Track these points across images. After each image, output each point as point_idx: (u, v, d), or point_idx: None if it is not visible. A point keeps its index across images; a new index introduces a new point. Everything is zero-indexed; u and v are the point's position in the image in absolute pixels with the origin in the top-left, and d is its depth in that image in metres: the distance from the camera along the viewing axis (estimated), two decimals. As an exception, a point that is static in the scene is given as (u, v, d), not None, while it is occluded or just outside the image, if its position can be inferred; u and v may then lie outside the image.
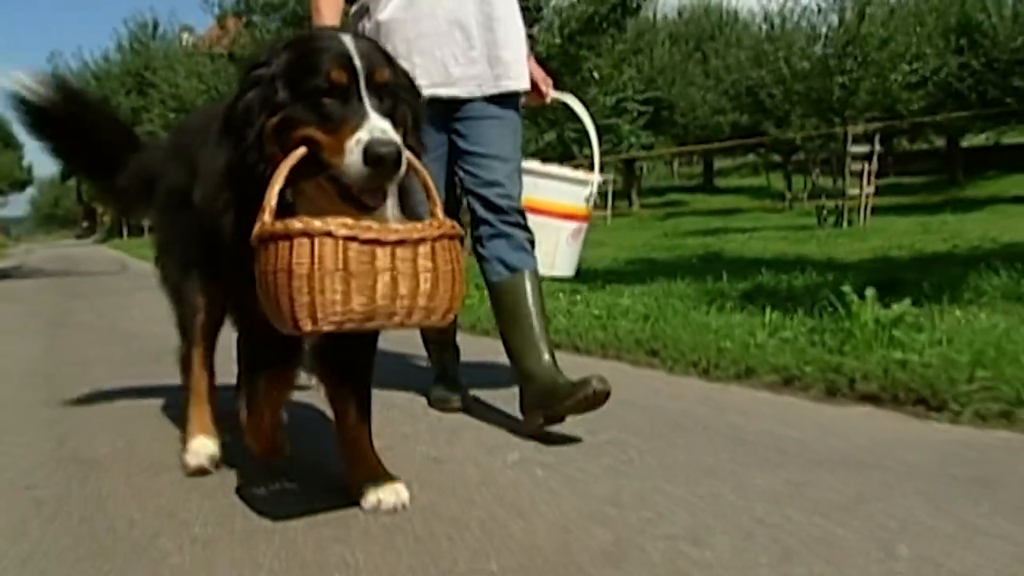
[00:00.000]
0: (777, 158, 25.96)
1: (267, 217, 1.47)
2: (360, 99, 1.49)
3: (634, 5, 13.13)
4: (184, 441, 2.13)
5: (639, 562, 1.46)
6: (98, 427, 2.59)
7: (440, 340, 2.80)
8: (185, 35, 36.15)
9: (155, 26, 36.11)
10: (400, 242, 1.46)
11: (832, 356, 2.94)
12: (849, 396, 2.70)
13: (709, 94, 25.96)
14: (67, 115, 2.33)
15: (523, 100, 2.64)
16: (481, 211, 2.44)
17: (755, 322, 3.63)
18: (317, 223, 1.41)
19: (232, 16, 17.59)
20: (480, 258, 2.49)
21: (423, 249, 1.49)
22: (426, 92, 2.22)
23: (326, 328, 1.43)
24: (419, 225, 1.53)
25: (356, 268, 1.42)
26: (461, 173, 2.49)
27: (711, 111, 26.05)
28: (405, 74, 1.70)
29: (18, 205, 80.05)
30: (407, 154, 1.49)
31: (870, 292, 3.19)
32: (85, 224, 49.09)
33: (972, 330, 2.96)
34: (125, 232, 32.78)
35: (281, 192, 1.49)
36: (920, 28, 17.50)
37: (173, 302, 2.20)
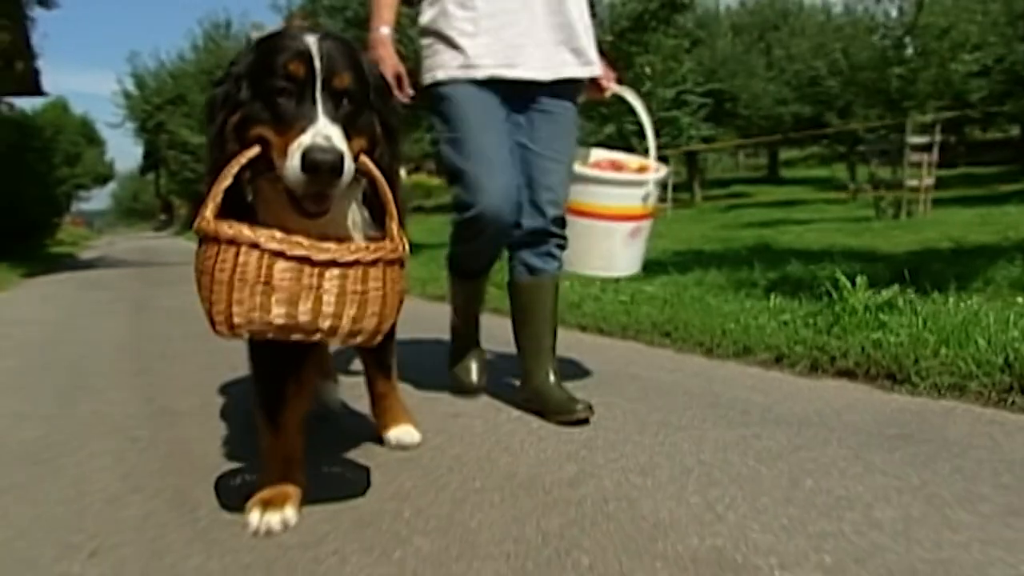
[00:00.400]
0: (841, 149, 25.66)
1: (207, 212, 1.46)
2: (313, 102, 1.45)
3: (682, 2, 13.29)
4: None
5: (593, 486, 1.85)
6: (179, 387, 3.10)
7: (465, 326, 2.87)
8: (255, 33, 37.38)
9: (228, 25, 37.44)
10: (330, 263, 1.44)
11: (819, 336, 3.26)
12: (828, 371, 3.02)
13: (771, 85, 25.76)
14: None
15: (585, 95, 2.64)
16: (524, 210, 2.46)
17: (761, 307, 3.95)
18: (247, 231, 1.41)
19: (298, 16, 18.30)
20: (508, 249, 2.56)
21: (354, 272, 1.47)
22: (489, 72, 2.35)
23: (241, 335, 1.47)
24: (354, 246, 1.50)
25: (279, 283, 1.41)
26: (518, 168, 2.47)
27: (773, 102, 25.87)
28: (379, 79, 1.66)
29: (100, 199, 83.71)
30: (350, 163, 1.43)
31: (861, 279, 3.48)
32: (163, 217, 51.14)
33: (949, 314, 3.23)
34: (200, 224, 34.06)
35: (241, 190, 1.51)
36: (984, 16, 17.15)
37: None
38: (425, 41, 2.49)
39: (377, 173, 1.56)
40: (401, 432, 2.19)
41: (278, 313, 1.41)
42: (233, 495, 1.81)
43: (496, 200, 2.33)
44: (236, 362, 3.12)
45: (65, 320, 5.87)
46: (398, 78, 2.38)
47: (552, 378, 2.49)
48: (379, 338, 1.57)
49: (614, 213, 2.65)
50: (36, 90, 19.38)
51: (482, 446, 2.21)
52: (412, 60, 2.57)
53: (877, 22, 16.76)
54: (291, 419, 1.76)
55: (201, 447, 2.27)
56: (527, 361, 2.54)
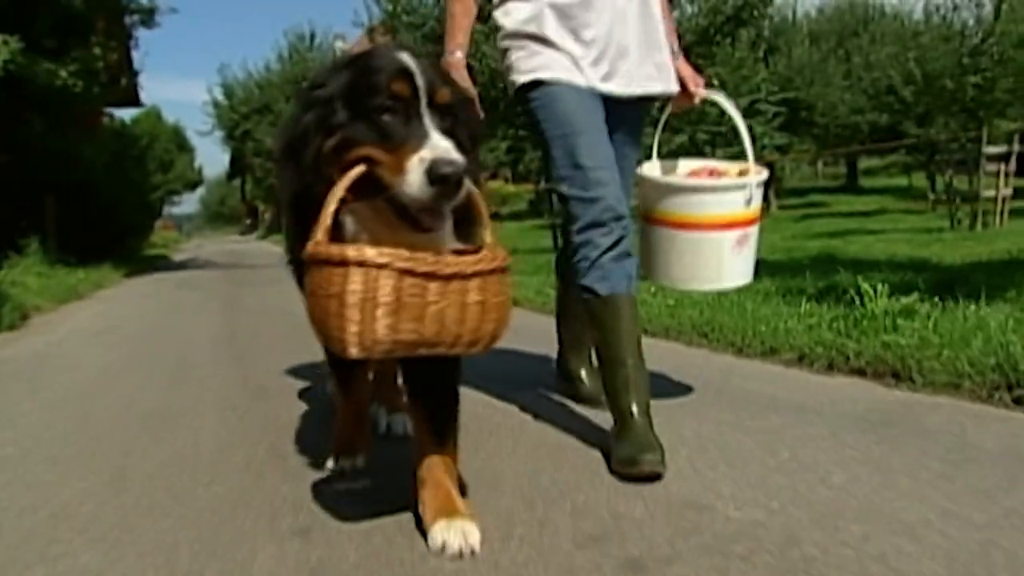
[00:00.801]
0: (921, 158, 25.16)
1: (320, 236, 1.47)
2: (421, 117, 1.48)
3: (747, 15, 13.45)
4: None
5: (600, 448, 2.25)
6: (269, 372, 3.63)
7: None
8: (339, 43, 38.69)
9: (312, 37, 38.84)
10: (454, 276, 1.46)
11: (839, 338, 3.56)
12: (843, 370, 3.32)
13: (847, 94, 25.47)
14: None
15: (674, 103, 2.67)
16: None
17: (792, 311, 4.26)
18: (372, 252, 1.41)
19: (380, 31, 19.09)
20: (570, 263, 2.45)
21: (475, 283, 1.49)
22: (590, 83, 2.33)
23: (373, 356, 1.48)
24: (473, 258, 1.52)
25: (408, 300, 1.42)
26: None
27: (849, 111, 25.57)
28: (465, 92, 1.72)
29: (190, 203, 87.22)
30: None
31: (883, 287, 3.77)
32: (248, 221, 53.14)
33: (959, 320, 3.49)
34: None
35: (336, 213, 1.50)
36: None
37: None
38: (516, 42, 2.44)
39: (472, 186, 1.54)
40: (452, 533, 1.60)
41: (407, 329, 1.42)
42: (313, 450, 2.28)
43: (616, 195, 2.29)
44: (316, 353, 3.62)
45: (165, 316, 6.55)
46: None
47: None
48: (493, 345, 1.57)
49: (718, 222, 2.53)
50: (135, 102, 20.77)
51: (529, 426, 2.62)
52: (486, 75, 2.86)
53: (954, 30, 16.50)
54: (360, 385, 2.14)
55: (288, 415, 2.77)
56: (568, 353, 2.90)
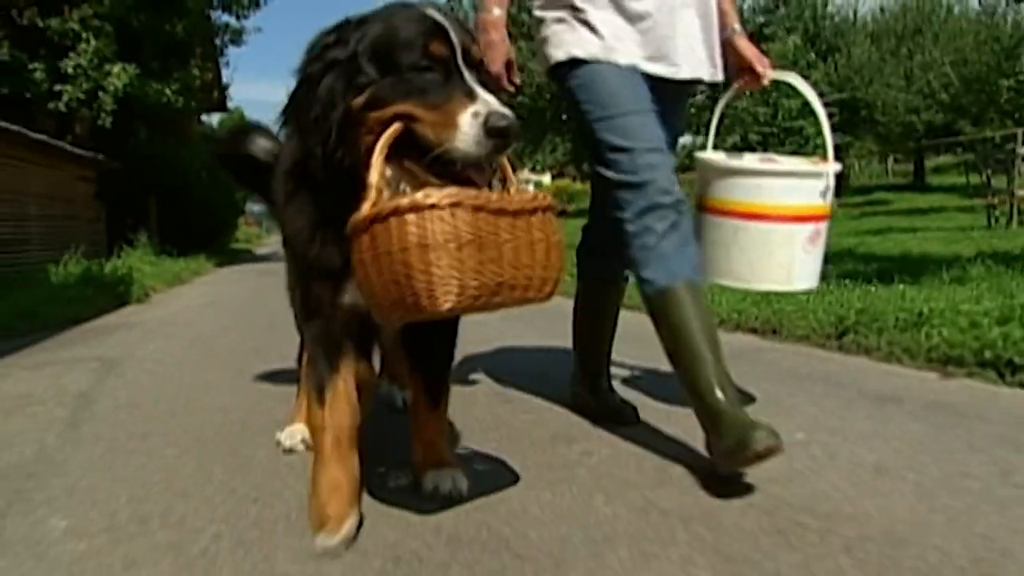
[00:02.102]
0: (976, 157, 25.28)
1: (375, 195, 1.40)
2: (461, 73, 1.43)
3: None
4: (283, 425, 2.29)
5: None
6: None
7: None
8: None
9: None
10: (519, 212, 1.44)
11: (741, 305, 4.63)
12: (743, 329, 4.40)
13: (902, 93, 25.74)
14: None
15: (741, 83, 2.42)
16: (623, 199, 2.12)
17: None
18: (440, 194, 1.35)
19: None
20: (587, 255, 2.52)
21: (536, 219, 1.47)
22: (632, 61, 2.13)
23: (464, 304, 1.36)
24: (530, 194, 1.50)
25: (486, 239, 1.37)
26: None
27: (905, 110, 25.84)
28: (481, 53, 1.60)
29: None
30: None
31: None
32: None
33: (873, 296, 4.52)
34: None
35: (358, 176, 1.44)
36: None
37: (290, 296, 2.01)
38: (553, 13, 2.24)
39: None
40: (443, 478, 1.77)
41: (491, 271, 1.38)
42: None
43: (670, 177, 2.09)
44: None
45: (254, 294, 7.95)
46: (508, 64, 2.23)
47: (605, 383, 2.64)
48: (556, 288, 1.53)
49: (793, 213, 2.28)
50: (223, 107, 22.68)
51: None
52: (532, 87, 2.88)
53: (993, 32, 16.91)
54: (346, 399, 1.62)
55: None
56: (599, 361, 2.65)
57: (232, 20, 15.35)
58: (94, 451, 2.25)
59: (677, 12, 2.18)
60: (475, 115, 1.39)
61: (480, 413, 2.62)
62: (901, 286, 4.83)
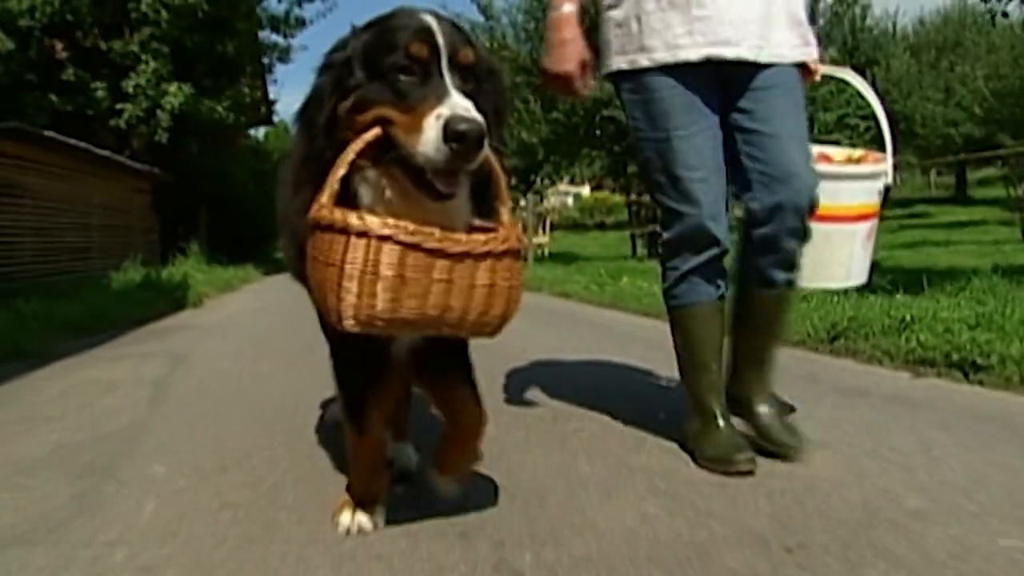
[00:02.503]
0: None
1: (325, 199, 1.37)
2: (441, 76, 1.39)
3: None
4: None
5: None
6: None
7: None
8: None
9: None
10: (464, 255, 1.37)
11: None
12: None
13: (940, 107, 25.69)
14: None
15: None
16: (764, 205, 2.03)
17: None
18: (375, 223, 1.32)
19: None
20: (742, 256, 2.17)
21: (485, 264, 1.40)
22: (704, 52, 2.00)
23: (370, 330, 1.37)
24: (484, 237, 1.42)
25: (411, 276, 1.33)
26: (743, 158, 2.07)
27: (944, 123, 25.80)
28: (489, 61, 1.56)
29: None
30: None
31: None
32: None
33: (866, 306, 4.87)
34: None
35: (347, 179, 1.41)
36: None
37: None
38: (614, 13, 2.14)
39: (493, 158, 1.45)
40: (451, 485, 1.78)
41: (409, 307, 1.34)
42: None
43: (711, 210, 2.05)
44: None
45: (300, 302, 8.44)
46: (583, 65, 2.10)
47: (766, 406, 2.21)
48: (500, 331, 1.49)
49: (855, 213, 2.32)
50: (269, 121, 23.55)
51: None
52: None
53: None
54: (375, 422, 1.69)
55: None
56: (743, 377, 2.24)
57: (280, 39, 16.10)
58: (176, 422, 2.74)
59: None
60: (437, 117, 1.34)
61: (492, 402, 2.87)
62: (899, 296, 5.17)
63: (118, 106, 12.10)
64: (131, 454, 2.31)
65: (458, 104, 1.35)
